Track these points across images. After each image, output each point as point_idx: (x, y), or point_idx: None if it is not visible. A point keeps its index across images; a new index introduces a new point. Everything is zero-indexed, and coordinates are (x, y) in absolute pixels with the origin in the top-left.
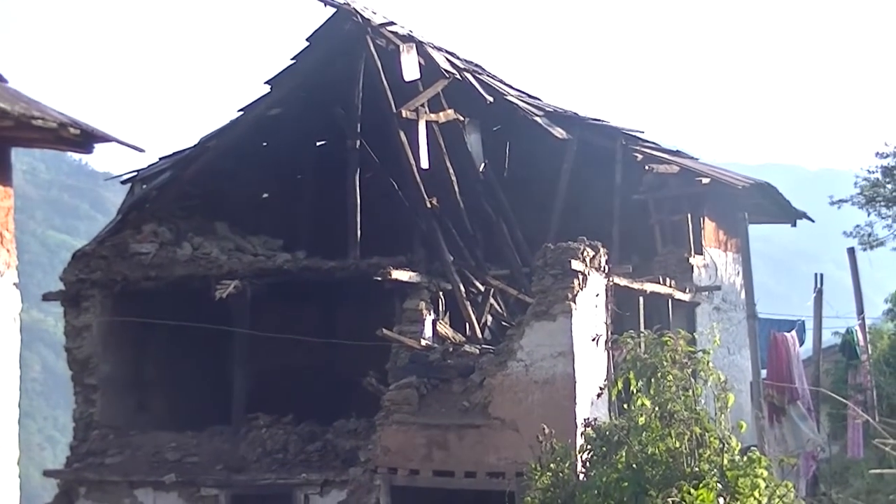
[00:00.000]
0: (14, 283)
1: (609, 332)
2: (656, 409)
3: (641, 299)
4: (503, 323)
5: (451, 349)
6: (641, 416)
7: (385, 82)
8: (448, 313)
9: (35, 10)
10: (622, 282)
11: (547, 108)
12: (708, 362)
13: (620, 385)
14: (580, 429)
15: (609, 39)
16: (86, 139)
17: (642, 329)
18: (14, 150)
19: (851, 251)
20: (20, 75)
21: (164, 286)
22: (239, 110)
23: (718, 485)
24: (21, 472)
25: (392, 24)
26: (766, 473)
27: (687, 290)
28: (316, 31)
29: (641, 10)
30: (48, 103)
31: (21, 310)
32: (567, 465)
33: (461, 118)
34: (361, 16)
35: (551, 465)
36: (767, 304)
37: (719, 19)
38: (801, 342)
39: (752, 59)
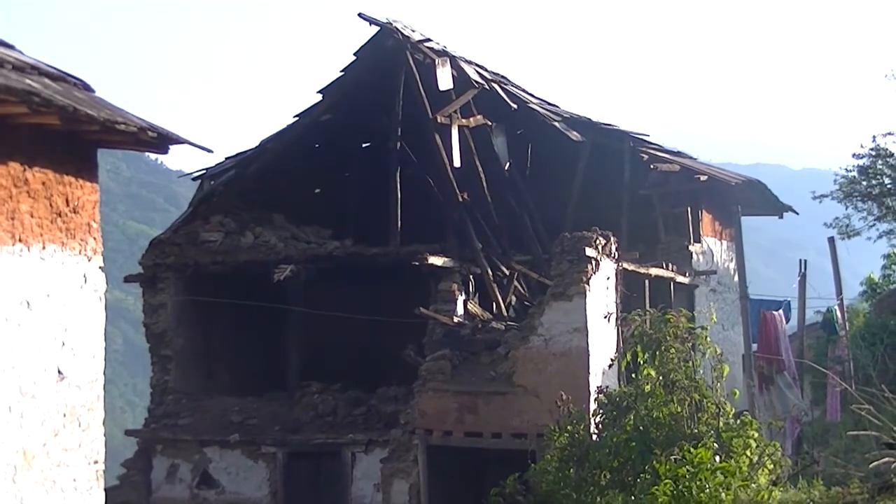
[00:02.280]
0: (100, 267)
1: (618, 311)
2: (660, 378)
3: (647, 282)
4: (525, 302)
5: (480, 325)
6: (647, 384)
7: (422, 91)
8: (477, 294)
9: (121, 32)
10: (630, 267)
11: (564, 114)
12: (706, 337)
13: (629, 357)
14: (593, 395)
15: (623, 56)
16: (162, 141)
17: (648, 308)
18: (100, 151)
19: (831, 240)
20: (104, 85)
21: (229, 270)
22: (295, 116)
23: (715, 444)
24: (106, 432)
25: (429, 40)
26: (756, 435)
27: (687, 275)
28: (362, 46)
29: (655, 33)
30: (129, 109)
31: (106, 290)
32: (582, 427)
33: (489, 123)
34: (402, 33)
35: (568, 427)
36: (757, 286)
37: (719, 41)
38: (787, 320)
39: (744, 72)
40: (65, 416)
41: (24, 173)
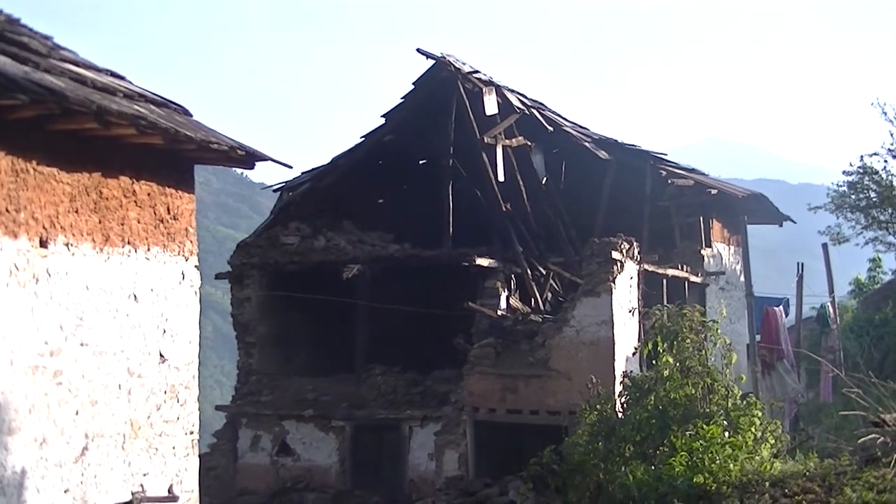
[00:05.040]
0: (195, 266)
1: (640, 306)
2: (677, 364)
3: (665, 281)
4: (559, 298)
5: (520, 318)
6: (666, 369)
7: (471, 116)
8: (518, 290)
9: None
10: (650, 268)
11: (593, 136)
12: (716, 329)
13: (649, 346)
14: (619, 379)
15: (651, 88)
16: (249, 158)
17: (665, 304)
18: (195, 166)
19: (825, 246)
20: (198, 107)
21: (305, 269)
22: (361, 137)
23: (724, 422)
24: (199, 406)
25: (477, 72)
26: (760, 414)
27: (699, 275)
28: (420, 77)
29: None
30: (220, 130)
31: (200, 285)
32: (609, 406)
33: (529, 143)
34: (454, 66)
35: (597, 406)
36: (760, 285)
37: (731, 74)
38: (786, 314)
39: (750, 100)
40: (166, 393)
41: (133, 185)
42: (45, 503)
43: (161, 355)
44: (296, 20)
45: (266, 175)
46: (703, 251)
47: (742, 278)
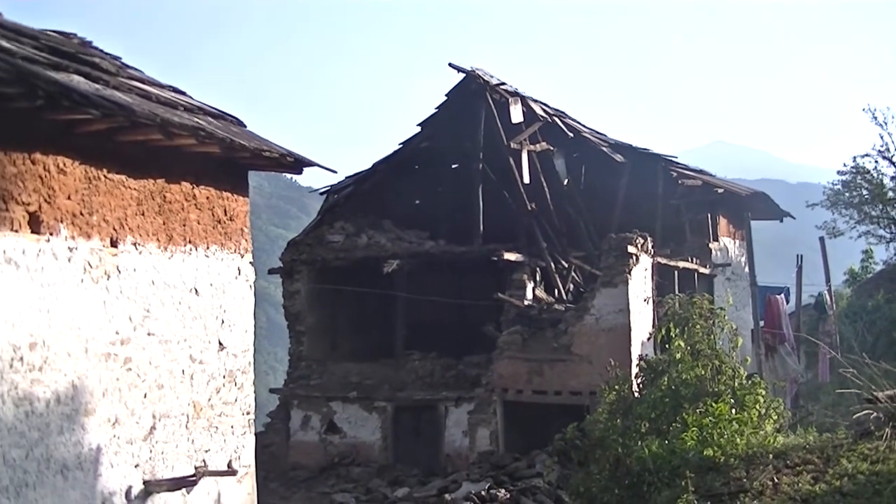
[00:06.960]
0: (250, 262)
1: (654, 295)
2: (688, 348)
3: (676, 273)
4: (580, 289)
5: (544, 307)
6: (678, 353)
7: (499, 124)
8: (542, 282)
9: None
10: (663, 260)
11: (610, 141)
12: (723, 316)
13: (663, 331)
14: (635, 361)
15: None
16: (298, 164)
17: (677, 293)
18: (249, 172)
19: (821, 239)
20: (250, 117)
21: (349, 264)
22: (399, 144)
23: (731, 400)
24: (254, 390)
25: (504, 84)
26: (763, 392)
27: (707, 267)
28: (451, 89)
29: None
30: (271, 139)
31: (254, 280)
32: (626, 386)
33: (551, 148)
34: (483, 79)
35: (615, 387)
36: (763, 276)
37: (736, 86)
38: (787, 302)
39: (751, 107)
40: (224, 377)
41: (193, 190)
42: (118, 477)
43: (220, 343)
44: (348, 41)
45: (313, 179)
46: (710, 245)
47: (746, 269)
